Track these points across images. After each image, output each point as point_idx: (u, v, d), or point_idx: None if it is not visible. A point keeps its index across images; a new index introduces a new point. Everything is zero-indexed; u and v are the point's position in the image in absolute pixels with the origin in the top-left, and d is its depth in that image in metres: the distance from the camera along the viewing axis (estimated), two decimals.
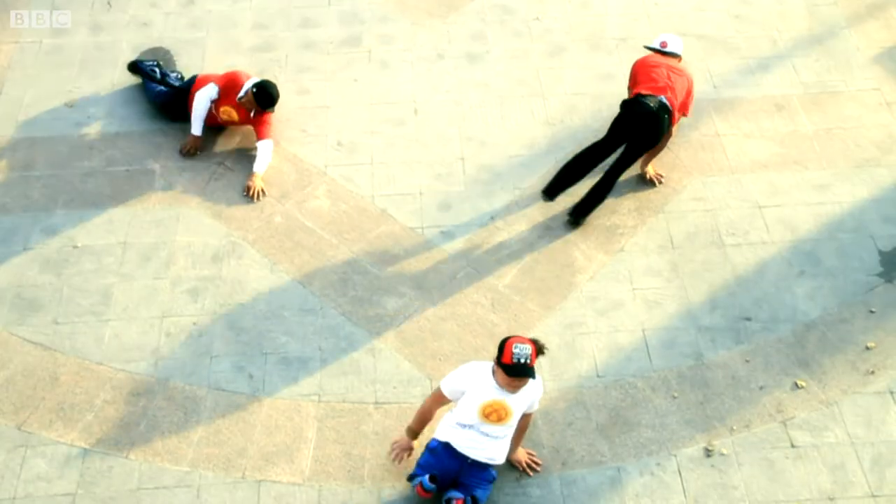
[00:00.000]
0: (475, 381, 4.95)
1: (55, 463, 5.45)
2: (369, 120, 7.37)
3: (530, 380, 4.89)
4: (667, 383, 5.79)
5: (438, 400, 5.14)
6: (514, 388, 4.88)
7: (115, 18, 8.24)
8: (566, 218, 6.59)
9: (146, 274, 6.36)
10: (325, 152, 7.13)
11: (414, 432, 5.28)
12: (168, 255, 6.47)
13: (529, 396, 5.03)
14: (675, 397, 5.72)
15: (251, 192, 6.78)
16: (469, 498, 5.01)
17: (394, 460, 5.30)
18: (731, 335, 6.01)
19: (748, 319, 6.09)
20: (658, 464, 5.44)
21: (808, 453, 5.46)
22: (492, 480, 5.16)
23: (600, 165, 6.60)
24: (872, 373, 5.80)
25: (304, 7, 8.27)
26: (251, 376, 5.84)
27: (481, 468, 5.07)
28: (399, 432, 5.46)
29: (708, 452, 5.47)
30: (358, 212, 6.73)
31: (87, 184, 6.92)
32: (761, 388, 5.75)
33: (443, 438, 5.11)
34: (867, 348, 5.92)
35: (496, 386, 4.92)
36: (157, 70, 7.48)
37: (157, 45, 7.96)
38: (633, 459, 5.46)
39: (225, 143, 7.19)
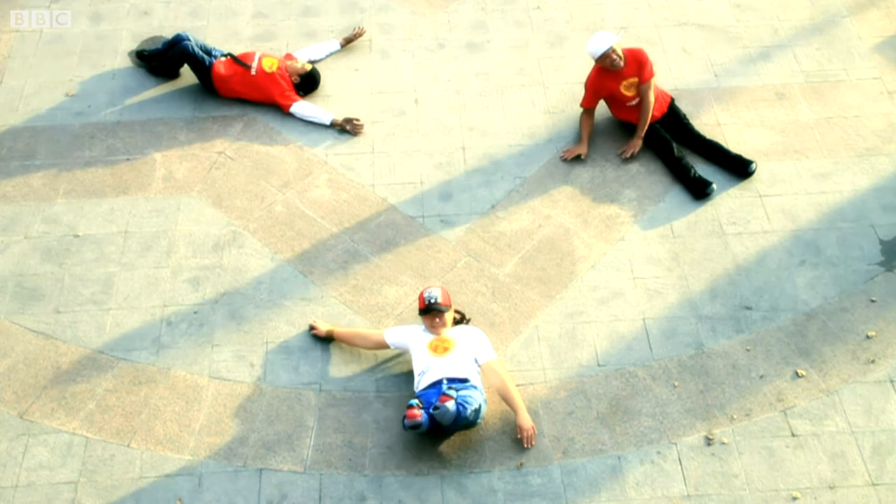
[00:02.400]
0: (415, 336, 5.63)
1: (57, 451, 5.46)
2: (370, 109, 7.36)
3: (450, 320, 5.64)
4: (667, 372, 5.80)
5: (377, 341, 5.76)
6: (435, 329, 5.58)
7: (116, 7, 8.23)
8: (752, 168, 6.77)
9: (147, 263, 6.37)
10: (326, 141, 7.12)
11: (331, 335, 5.91)
12: (169, 244, 6.47)
13: (464, 333, 5.60)
14: (675, 386, 5.73)
15: (356, 125, 7.19)
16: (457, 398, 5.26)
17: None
18: (732, 324, 6.01)
19: (749, 308, 6.09)
20: (658, 452, 5.45)
21: (808, 442, 5.47)
22: (478, 391, 5.34)
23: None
24: (873, 362, 5.81)
25: None
26: (252, 365, 5.85)
27: (458, 381, 5.38)
28: (399, 421, 5.49)
29: (708, 441, 5.48)
30: (359, 201, 6.73)
31: (88, 173, 6.92)
32: (762, 376, 5.76)
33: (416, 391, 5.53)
34: (867, 337, 5.92)
35: (427, 331, 5.63)
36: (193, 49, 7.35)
37: (157, 34, 7.95)
38: (634, 448, 5.47)
39: (225, 132, 7.19)
